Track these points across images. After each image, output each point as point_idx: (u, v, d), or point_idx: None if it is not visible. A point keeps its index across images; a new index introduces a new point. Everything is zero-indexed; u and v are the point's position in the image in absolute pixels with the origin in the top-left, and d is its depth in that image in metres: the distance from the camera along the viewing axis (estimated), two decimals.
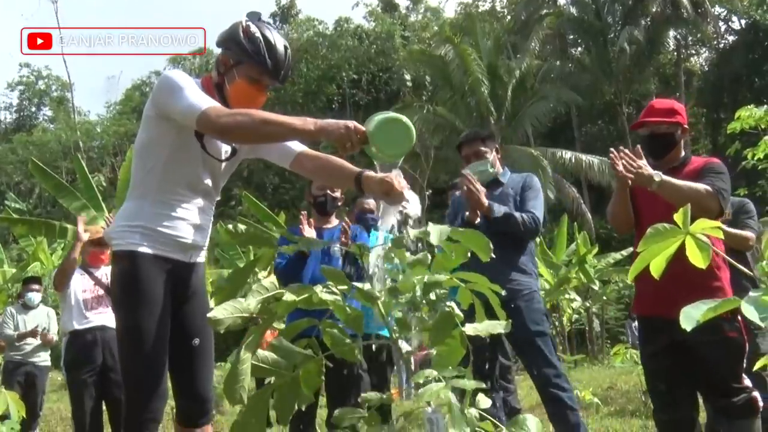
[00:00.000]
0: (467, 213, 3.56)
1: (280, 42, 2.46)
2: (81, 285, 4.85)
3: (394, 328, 1.87)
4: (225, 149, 2.56)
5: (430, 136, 23.87)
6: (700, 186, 2.87)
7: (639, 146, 2.96)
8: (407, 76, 31.25)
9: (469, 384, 1.67)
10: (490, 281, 3.44)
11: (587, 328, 17.55)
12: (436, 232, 1.82)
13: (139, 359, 2.39)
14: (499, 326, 1.96)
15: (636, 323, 13.78)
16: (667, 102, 3.30)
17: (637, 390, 6.98)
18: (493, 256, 3.55)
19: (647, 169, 2.86)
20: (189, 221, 2.50)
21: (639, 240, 2.36)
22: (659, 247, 1.32)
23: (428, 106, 23.78)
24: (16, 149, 37.04)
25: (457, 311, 1.82)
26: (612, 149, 2.99)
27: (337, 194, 4.01)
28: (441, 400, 1.68)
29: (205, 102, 2.26)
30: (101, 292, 4.84)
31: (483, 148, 3.73)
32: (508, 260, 3.54)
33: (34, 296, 6.73)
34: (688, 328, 1.12)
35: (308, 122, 2.16)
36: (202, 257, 2.65)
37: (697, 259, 1.34)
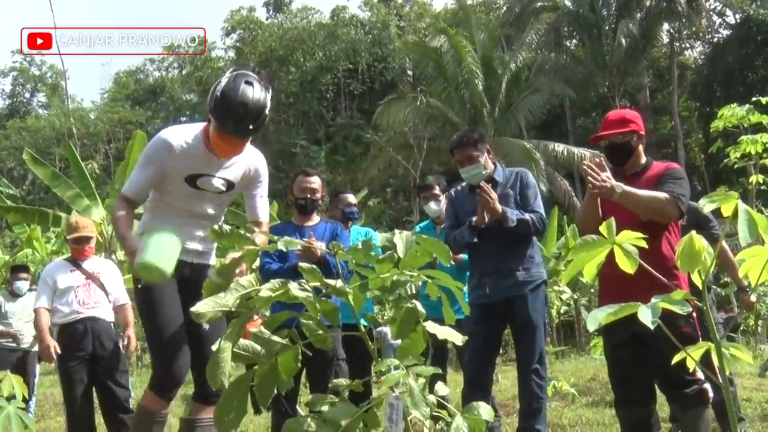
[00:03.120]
0: (474, 218, 3.73)
1: (238, 99, 2.78)
2: (73, 281, 4.91)
3: (363, 323, 2.05)
4: (220, 183, 3.12)
5: (424, 128, 24.01)
6: (660, 194, 3.05)
7: (602, 158, 3.14)
8: (408, 65, 31.28)
9: (427, 370, 1.85)
10: (508, 275, 3.68)
11: (575, 320, 17.79)
12: (401, 241, 1.99)
13: (156, 328, 3.01)
14: (456, 337, 2.13)
15: None
16: (619, 113, 3.50)
17: None
18: (511, 252, 3.72)
19: (610, 182, 3.04)
20: (189, 232, 3.08)
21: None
22: (589, 255, 1.49)
23: (422, 97, 23.85)
24: (9, 135, 36.97)
25: (420, 308, 1.99)
26: (584, 163, 3.18)
27: (317, 196, 4.22)
28: (403, 386, 1.85)
29: (129, 188, 3.02)
30: (93, 285, 4.95)
31: (475, 153, 3.86)
32: (521, 254, 3.82)
33: (23, 285, 6.88)
34: (591, 329, 1.30)
35: (130, 246, 2.84)
36: (205, 259, 3.23)
37: (625, 265, 1.52)
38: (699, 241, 1.37)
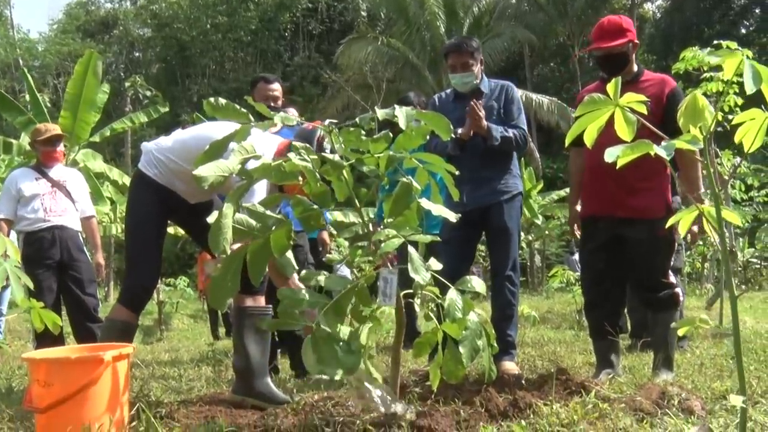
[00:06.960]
0: (460, 131, 3.73)
1: None
2: (39, 188, 4.78)
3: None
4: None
5: (383, 68, 23.83)
6: (691, 159, 3.18)
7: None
8: (363, 5, 30.85)
9: (424, 238, 1.90)
10: (484, 183, 3.72)
11: (528, 263, 18.17)
12: (402, 114, 2.01)
13: (131, 243, 3.13)
14: (450, 215, 2.18)
15: (575, 256, 14.17)
16: (614, 21, 3.40)
17: (572, 312, 7.43)
18: (489, 162, 3.75)
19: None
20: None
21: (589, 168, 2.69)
22: (593, 115, 1.52)
23: (382, 38, 23.62)
24: None
25: (415, 185, 2.03)
26: None
27: (279, 104, 4.39)
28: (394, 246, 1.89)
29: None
30: (59, 193, 4.85)
31: (471, 61, 3.88)
32: (501, 166, 3.88)
33: None
34: (609, 161, 1.35)
35: None
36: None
37: (623, 131, 1.56)
38: (702, 99, 1.42)
